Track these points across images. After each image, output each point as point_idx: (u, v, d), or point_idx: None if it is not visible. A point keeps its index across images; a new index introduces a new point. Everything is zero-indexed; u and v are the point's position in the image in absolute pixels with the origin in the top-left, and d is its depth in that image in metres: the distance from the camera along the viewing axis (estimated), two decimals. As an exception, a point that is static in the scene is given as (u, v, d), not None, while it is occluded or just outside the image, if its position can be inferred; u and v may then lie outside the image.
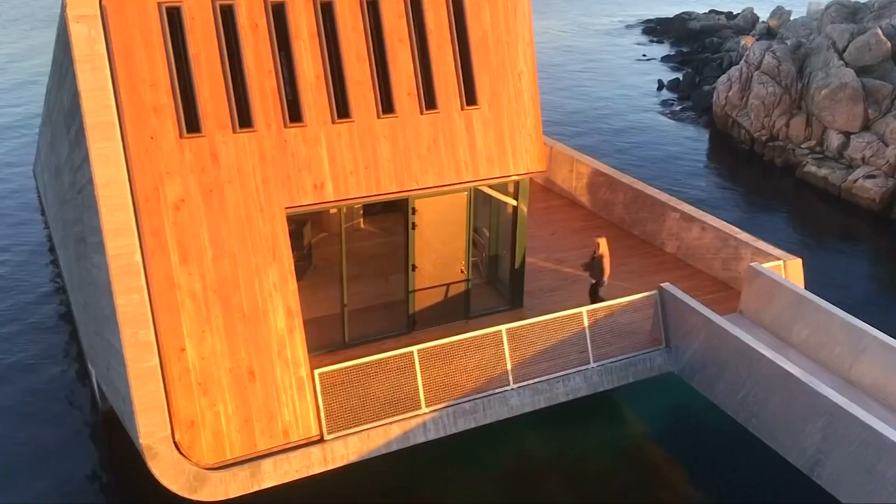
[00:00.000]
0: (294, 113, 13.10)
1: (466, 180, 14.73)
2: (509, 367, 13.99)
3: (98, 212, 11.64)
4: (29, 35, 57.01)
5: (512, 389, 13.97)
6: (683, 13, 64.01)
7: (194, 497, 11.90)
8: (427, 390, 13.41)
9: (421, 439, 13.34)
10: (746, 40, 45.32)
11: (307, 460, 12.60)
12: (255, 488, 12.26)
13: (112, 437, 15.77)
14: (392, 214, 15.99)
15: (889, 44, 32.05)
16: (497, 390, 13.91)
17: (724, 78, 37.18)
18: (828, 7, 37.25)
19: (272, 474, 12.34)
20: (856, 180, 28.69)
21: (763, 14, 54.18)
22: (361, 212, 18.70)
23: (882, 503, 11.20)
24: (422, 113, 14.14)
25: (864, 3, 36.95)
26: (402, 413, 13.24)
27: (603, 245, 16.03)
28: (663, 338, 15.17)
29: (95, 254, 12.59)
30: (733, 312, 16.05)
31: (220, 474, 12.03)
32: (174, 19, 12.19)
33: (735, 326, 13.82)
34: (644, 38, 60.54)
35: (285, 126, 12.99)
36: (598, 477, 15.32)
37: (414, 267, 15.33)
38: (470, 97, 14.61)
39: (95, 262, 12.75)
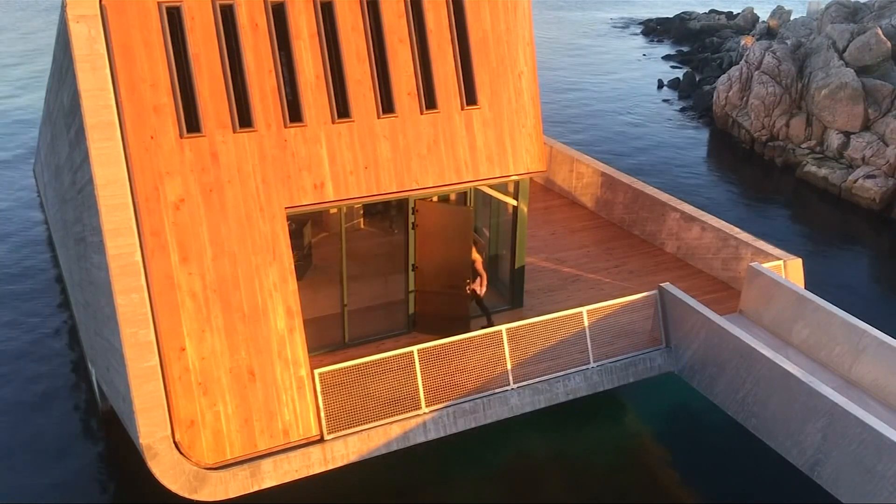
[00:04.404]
0: (294, 113, 13.09)
1: (466, 180, 14.74)
2: (509, 367, 13.98)
3: (98, 211, 11.63)
4: (29, 35, 56.99)
5: (512, 389, 13.97)
6: (683, 13, 64.10)
7: (194, 497, 11.89)
8: (427, 390, 13.40)
9: (421, 439, 13.33)
10: (746, 40, 45.35)
11: (307, 460, 12.60)
12: (255, 488, 12.25)
13: (112, 437, 15.78)
14: (392, 214, 16.01)
15: (889, 44, 32.06)
16: (497, 390, 13.90)
17: (724, 78, 37.19)
18: (828, 7, 37.27)
19: (272, 474, 12.34)
20: (856, 180, 28.69)
21: (763, 14, 54.26)
22: (362, 212, 18.69)
23: (882, 503, 11.21)
24: (422, 113, 14.13)
25: (864, 3, 36.96)
26: (402, 413, 13.23)
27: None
28: (663, 338, 15.17)
29: (95, 253, 12.59)
30: (733, 312, 16.05)
31: (220, 474, 12.03)
32: (174, 19, 12.18)
33: (735, 326, 13.81)
34: (644, 38, 60.59)
35: (285, 126, 12.98)
36: (598, 477, 15.32)
37: (414, 267, 15.33)
38: (470, 97, 14.60)
39: (95, 261, 12.74)
